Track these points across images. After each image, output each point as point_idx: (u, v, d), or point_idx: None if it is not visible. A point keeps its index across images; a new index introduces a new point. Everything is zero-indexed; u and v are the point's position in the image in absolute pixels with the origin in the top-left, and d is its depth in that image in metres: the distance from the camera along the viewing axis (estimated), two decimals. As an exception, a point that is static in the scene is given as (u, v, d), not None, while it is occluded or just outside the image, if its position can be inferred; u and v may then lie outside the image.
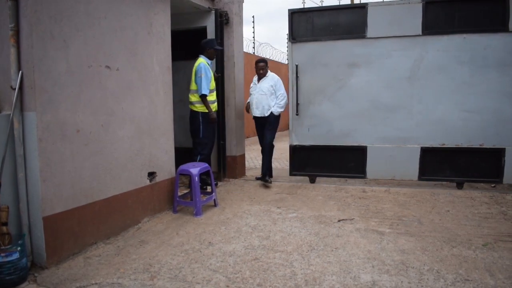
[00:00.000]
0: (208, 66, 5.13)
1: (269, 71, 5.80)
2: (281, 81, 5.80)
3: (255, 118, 5.89)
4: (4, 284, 2.73)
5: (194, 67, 5.11)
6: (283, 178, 6.24)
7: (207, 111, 5.13)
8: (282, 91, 5.74)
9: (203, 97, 5.04)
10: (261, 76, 5.88)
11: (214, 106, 5.28)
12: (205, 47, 5.19)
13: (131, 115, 3.91)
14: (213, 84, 5.18)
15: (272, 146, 5.97)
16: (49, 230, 3.04)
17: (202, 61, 5.10)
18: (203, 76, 5.00)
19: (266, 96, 5.68)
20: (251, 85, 5.96)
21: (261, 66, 5.87)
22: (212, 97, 5.21)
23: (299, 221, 4.10)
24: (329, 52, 5.57)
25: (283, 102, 5.73)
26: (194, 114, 5.17)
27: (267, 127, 5.79)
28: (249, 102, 6.14)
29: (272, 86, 5.68)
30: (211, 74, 5.14)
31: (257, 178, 6.08)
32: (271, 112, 5.70)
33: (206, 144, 5.17)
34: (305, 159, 5.82)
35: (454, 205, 4.58)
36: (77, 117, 3.27)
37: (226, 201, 4.92)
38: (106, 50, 3.56)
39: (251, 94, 5.88)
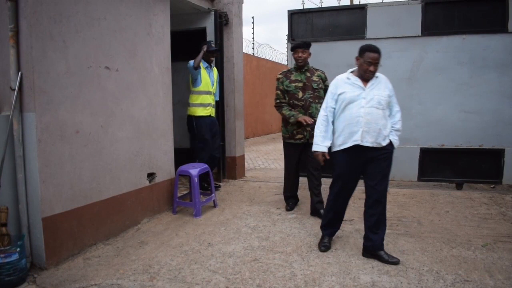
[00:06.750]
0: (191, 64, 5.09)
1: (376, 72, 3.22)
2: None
3: (353, 148, 3.15)
4: (3, 285, 2.73)
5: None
6: (282, 179, 6.21)
7: (200, 114, 5.08)
8: (398, 105, 3.35)
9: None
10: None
11: (204, 110, 5.15)
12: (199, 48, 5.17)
13: (130, 116, 3.91)
14: (206, 86, 5.15)
15: (385, 203, 3.24)
16: (49, 231, 3.04)
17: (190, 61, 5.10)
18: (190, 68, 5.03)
19: (384, 112, 3.17)
20: (338, 89, 3.23)
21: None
22: (202, 99, 5.12)
23: (298, 222, 4.10)
24: (329, 53, 5.57)
25: (401, 125, 3.32)
26: (188, 118, 5.17)
27: (377, 166, 3.16)
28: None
29: (389, 96, 3.24)
30: (206, 74, 5.14)
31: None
32: (390, 142, 3.20)
33: (203, 148, 5.15)
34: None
35: (454, 205, 4.58)
36: (77, 118, 3.27)
37: (226, 202, 4.92)
38: (105, 51, 3.56)
39: (346, 103, 3.17)
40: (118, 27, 3.71)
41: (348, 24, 5.51)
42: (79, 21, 3.27)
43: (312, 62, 5.56)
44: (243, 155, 6.54)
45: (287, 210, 4.52)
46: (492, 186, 5.44)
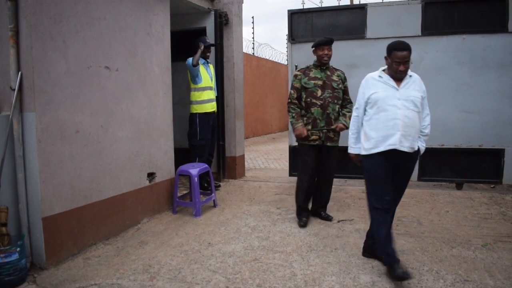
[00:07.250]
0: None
1: (409, 69, 2.94)
2: None
3: (385, 153, 2.85)
4: (3, 285, 2.73)
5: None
6: (282, 179, 6.24)
7: (203, 111, 5.13)
8: (428, 108, 3.04)
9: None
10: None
11: (212, 106, 5.27)
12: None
13: (130, 116, 3.91)
14: (207, 82, 5.19)
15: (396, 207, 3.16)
16: (49, 231, 3.04)
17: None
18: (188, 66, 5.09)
19: (419, 114, 2.90)
20: (369, 89, 2.96)
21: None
22: (207, 95, 5.19)
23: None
24: (329, 53, 5.56)
25: (429, 131, 3.04)
26: (191, 116, 5.19)
27: (403, 173, 2.98)
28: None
29: (422, 97, 2.92)
30: (205, 70, 5.19)
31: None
32: (418, 148, 2.96)
33: (204, 147, 5.17)
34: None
35: (454, 205, 4.58)
36: (77, 117, 3.27)
37: (226, 202, 4.92)
38: (105, 51, 3.56)
39: (380, 104, 2.87)
40: (118, 27, 3.71)
41: (348, 24, 5.51)
42: (79, 21, 3.27)
43: (311, 61, 5.58)
44: (243, 155, 6.54)
45: (300, 226, 3.95)
46: (492, 186, 5.44)
